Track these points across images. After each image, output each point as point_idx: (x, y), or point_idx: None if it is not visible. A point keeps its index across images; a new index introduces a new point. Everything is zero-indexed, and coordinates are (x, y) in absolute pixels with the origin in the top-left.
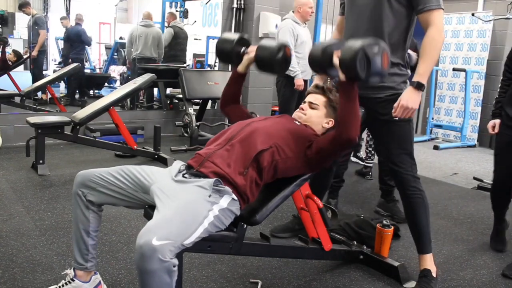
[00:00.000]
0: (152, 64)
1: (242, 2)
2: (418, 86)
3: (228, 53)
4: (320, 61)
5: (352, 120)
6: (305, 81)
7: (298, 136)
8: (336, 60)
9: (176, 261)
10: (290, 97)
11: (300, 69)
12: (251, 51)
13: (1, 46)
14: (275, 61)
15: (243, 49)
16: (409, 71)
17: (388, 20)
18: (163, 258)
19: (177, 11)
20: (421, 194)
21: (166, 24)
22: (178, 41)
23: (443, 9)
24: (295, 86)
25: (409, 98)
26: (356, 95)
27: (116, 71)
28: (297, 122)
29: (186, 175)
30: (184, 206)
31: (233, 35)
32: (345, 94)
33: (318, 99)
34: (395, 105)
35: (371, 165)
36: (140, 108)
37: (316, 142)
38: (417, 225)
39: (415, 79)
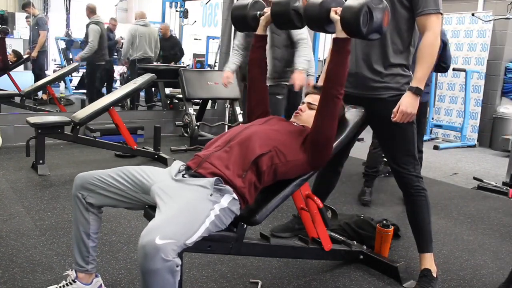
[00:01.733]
0: (152, 64)
1: None
2: (417, 91)
3: (244, 19)
4: (317, 16)
5: (340, 79)
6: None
7: (298, 138)
8: (333, 16)
9: (179, 261)
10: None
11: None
12: (267, 10)
13: (2, 37)
14: (291, 12)
15: (258, 12)
16: (411, 73)
17: (391, 22)
18: (166, 258)
19: (177, 11)
20: (424, 193)
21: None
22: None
23: (442, 13)
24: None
25: (408, 104)
26: (348, 53)
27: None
28: (295, 124)
29: (185, 176)
30: (186, 205)
31: (246, 1)
32: (337, 52)
33: (316, 99)
34: (394, 110)
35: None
36: (136, 108)
37: (309, 131)
38: (420, 224)
39: (413, 84)
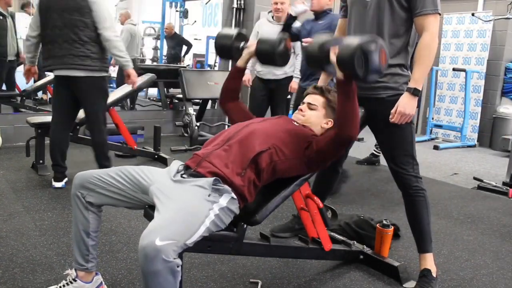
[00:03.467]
0: (152, 64)
1: (242, 2)
2: (415, 92)
3: (228, 48)
4: (317, 57)
5: (351, 118)
6: (269, 80)
7: (297, 137)
8: (333, 57)
9: (179, 261)
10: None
11: (260, 68)
12: (251, 45)
13: None
14: (276, 53)
15: (242, 43)
16: (409, 73)
17: (390, 22)
18: (166, 259)
19: (177, 11)
20: (423, 193)
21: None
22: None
23: (439, 14)
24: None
25: (406, 104)
26: (354, 93)
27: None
28: (295, 123)
29: (184, 175)
30: (185, 206)
31: (232, 30)
32: (343, 92)
33: (316, 99)
34: (393, 111)
35: (379, 154)
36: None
37: (315, 142)
38: (419, 224)
39: (411, 85)
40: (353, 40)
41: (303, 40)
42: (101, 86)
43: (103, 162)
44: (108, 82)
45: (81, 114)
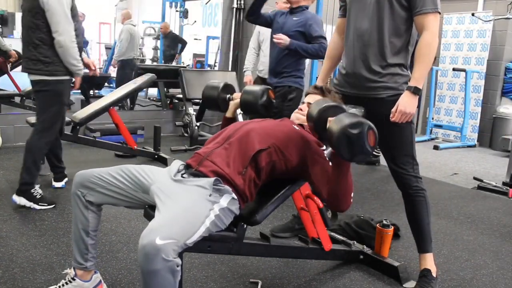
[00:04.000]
0: (152, 64)
1: (242, 2)
2: (415, 91)
3: (214, 100)
4: (316, 123)
5: (343, 195)
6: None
7: (297, 139)
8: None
9: (179, 261)
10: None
11: (262, 66)
12: (236, 97)
13: None
14: (258, 105)
15: (228, 96)
16: (409, 73)
17: (389, 21)
18: (166, 258)
19: (177, 11)
20: (423, 193)
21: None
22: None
23: (439, 12)
24: (243, 81)
25: (406, 103)
26: (347, 169)
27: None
28: (295, 126)
29: (185, 175)
30: (186, 205)
31: (218, 83)
32: (336, 165)
33: (316, 99)
34: (393, 110)
35: (379, 154)
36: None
37: (319, 172)
38: (419, 224)
39: (411, 83)
40: (341, 120)
41: (273, 36)
42: (55, 91)
43: (22, 173)
44: (67, 86)
45: (79, 114)
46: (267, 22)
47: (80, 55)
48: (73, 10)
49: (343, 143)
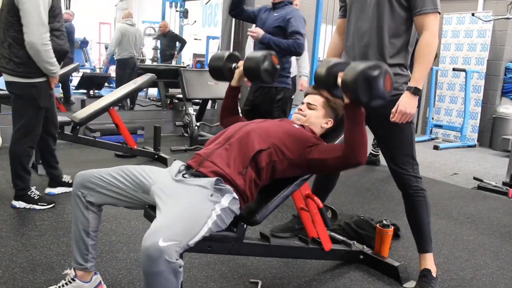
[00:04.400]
0: (152, 64)
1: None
2: (415, 91)
3: (220, 70)
4: (325, 80)
5: (359, 144)
6: None
7: (297, 138)
8: (339, 81)
9: (181, 262)
10: None
11: None
12: (241, 65)
13: None
14: (261, 70)
15: (233, 64)
16: (409, 73)
17: (389, 21)
18: (169, 259)
19: (177, 11)
20: (423, 193)
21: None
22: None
23: (439, 12)
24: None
25: (406, 104)
26: (362, 118)
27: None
28: (295, 125)
29: (185, 175)
30: (187, 206)
31: (224, 53)
32: (350, 117)
33: (316, 99)
34: (393, 110)
35: (379, 153)
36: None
37: (319, 150)
38: (419, 224)
39: (411, 84)
40: (357, 65)
41: (248, 30)
42: (29, 95)
43: (13, 179)
44: (43, 88)
45: (79, 114)
46: (251, 17)
47: (66, 56)
48: (54, 9)
49: (362, 85)
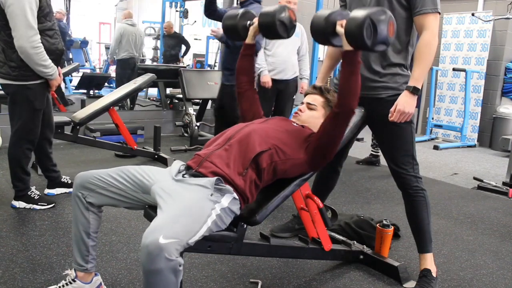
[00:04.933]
0: (152, 64)
1: None
2: (414, 91)
3: (234, 28)
4: (323, 29)
5: (354, 91)
6: (278, 80)
7: (297, 138)
8: (339, 29)
9: (181, 260)
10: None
11: (270, 67)
12: (256, 21)
13: None
14: (276, 22)
15: (248, 22)
16: (410, 73)
17: None
18: (169, 257)
19: (177, 11)
20: (423, 193)
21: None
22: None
23: (439, 12)
24: (261, 82)
25: (405, 103)
26: (358, 66)
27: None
28: (295, 124)
29: (185, 175)
30: (188, 205)
31: (237, 11)
32: (348, 64)
33: (316, 99)
34: (392, 109)
35: (379, 153)
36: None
37: (314, 135)
38: (419, 224)
39: (410, 83)
40: (362, 11)
41: (213, 30)
42: (24, 98)
43: (13, 180)
44: (38, 90)
45: (79, 114)
46: (221, 18)
47: (62, 56)
48: (44, 8)
49: (367, 29)
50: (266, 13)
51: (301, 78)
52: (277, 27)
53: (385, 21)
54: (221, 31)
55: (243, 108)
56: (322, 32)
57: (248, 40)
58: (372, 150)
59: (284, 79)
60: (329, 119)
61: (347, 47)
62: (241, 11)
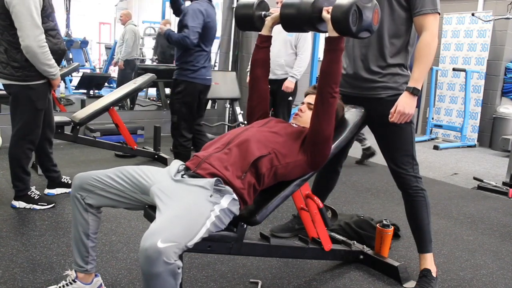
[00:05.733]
0: (152, 64)
1: None
2: (414, 92)
3: (249, 18)
4: (309, 15)
5: (335, 77)
6: (271, 80)
7: (297, 140)
8: (325, 15)
9: (180, 263)
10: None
11: None
12: (275, 11)
13: None
14: (306, 16)
15: (263, 12)
16: (409, 73)
17: (389, 22)
18: (168, 261)
19: None
20: (423, 193)
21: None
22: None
23: (439, 13)
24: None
25: (405, 104)
26: (340, 54)
27: (116, 71)
28: (294, 125)
29: (184, 176)
30: (187, 207)
31: (252, 0)
32: (331, 50)
33: None
34: (392, 110)
35: (368, 145)
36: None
37: (308, 131)
38: (419, 224)
39: (410, 84)
40: None
41: (160, 27)
42: (27, 98)
43: (13, 180)
44: (41, 90)
45: (79, 114)
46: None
47: (64, 56)
48: (47, 9)
49: (353, 15)
50: (292, 4)
51: (291, 76)
52: (303, 21)
53: (371, 8)
54: (164, 28)
55: (254, 103)
56: (308, 17)
57: (266, 32)
58: (362, 147)
59: (273, 78)
60: (314, 109)
61: (332, 33)
62: (256, 0)
